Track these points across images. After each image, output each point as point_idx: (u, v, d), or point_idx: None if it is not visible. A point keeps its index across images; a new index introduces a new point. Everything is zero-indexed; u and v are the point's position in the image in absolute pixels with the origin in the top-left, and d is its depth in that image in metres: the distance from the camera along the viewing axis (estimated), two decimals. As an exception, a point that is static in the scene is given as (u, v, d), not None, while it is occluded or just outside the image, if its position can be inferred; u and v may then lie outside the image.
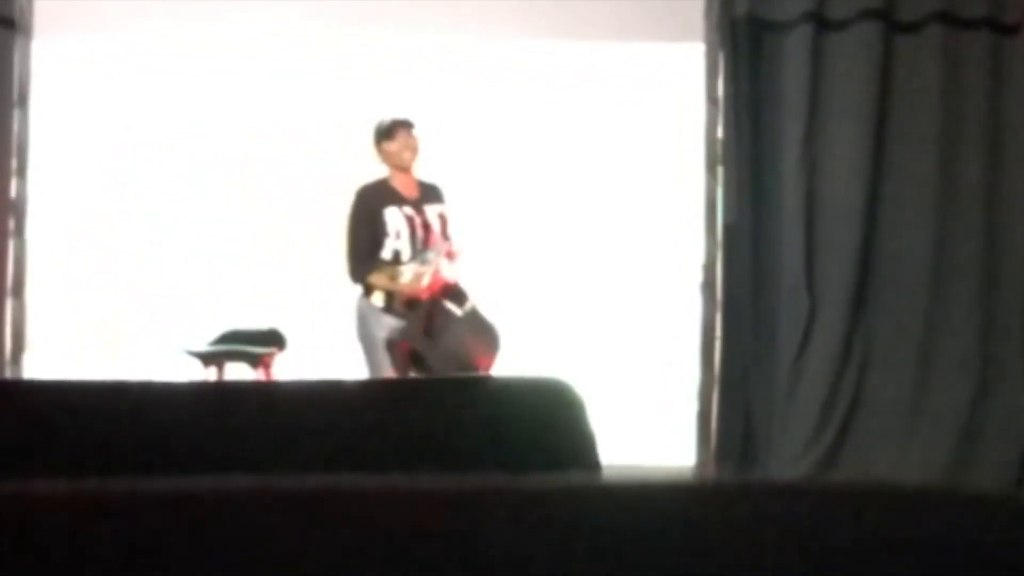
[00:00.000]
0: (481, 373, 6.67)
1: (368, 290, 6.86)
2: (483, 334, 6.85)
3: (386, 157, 6.94)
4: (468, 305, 6.85)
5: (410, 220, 6.86)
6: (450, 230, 6.99)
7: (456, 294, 6.87)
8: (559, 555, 0.99)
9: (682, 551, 1.00)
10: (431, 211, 6.92)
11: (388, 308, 6.78)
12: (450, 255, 6.87)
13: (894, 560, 1.00)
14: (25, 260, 7.58)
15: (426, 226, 6.87)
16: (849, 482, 1.02)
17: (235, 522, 0.99)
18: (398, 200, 6.89)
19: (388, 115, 7.01)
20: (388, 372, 6.74)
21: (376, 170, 7.02)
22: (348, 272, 6.90)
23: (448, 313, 6.80)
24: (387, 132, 6.93)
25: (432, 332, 6.77)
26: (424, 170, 7.06)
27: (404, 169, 6.91)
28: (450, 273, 6.86)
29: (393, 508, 1.00)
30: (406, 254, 6.83)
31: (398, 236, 6.84)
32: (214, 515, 1.00)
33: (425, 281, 6.71)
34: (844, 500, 1.02)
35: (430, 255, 6.78)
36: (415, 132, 6.95)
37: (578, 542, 0.98)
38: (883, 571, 0.99)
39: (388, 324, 6.80)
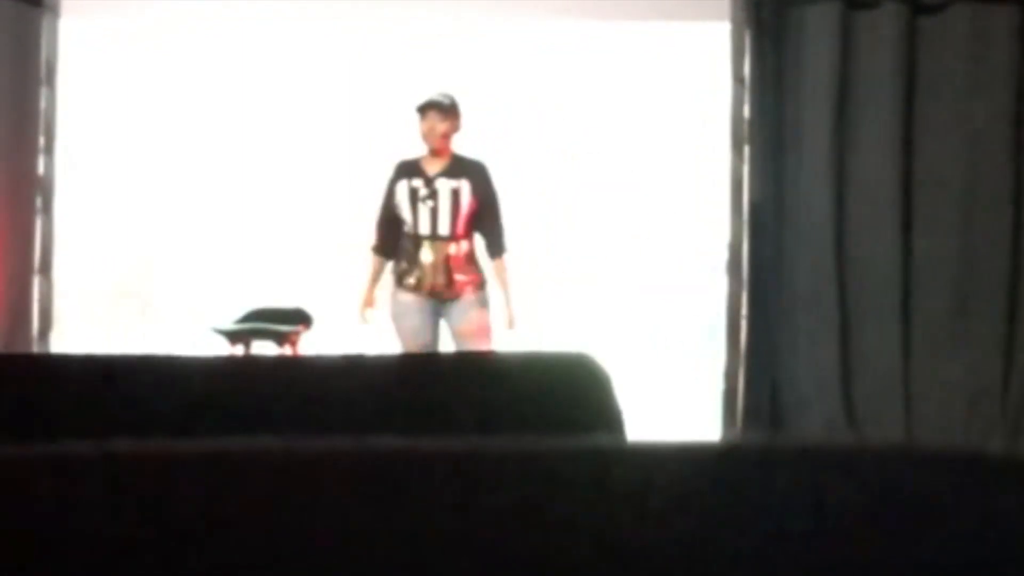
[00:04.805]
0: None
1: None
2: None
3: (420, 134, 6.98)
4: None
5: (413, 192, 6.88)
6: (463, 205, 6.94)
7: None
8: (586, 515, 0.99)
9: (708, 511, 1.00)
10: (444, 185, 6.91)
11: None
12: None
13: (913, 519, 1.00)
14: (52, 238, 7.61)
15: (433, 195, 6.87)
16: (869, 443, 1.02)
17: (262, 481, 1.00)
18: (412, 173, 6.93)
19: (428, 94, 7.01)
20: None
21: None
22: None
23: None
24: (420, 111, 6.94)
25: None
26: (468, 147, 7.06)
27: (432, 149, 6.93)
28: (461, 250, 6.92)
29: (419, 468, 1.01)
30: (411, 227, 6.87)
31: (399, 207, 6.91)
32: (243, 474, 1.00)
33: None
34: (865, 460, 1.02)
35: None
36: (450, 113, 6.94)
37: (605, 503, 0.99)
38: (901, 530, 1.00)
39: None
